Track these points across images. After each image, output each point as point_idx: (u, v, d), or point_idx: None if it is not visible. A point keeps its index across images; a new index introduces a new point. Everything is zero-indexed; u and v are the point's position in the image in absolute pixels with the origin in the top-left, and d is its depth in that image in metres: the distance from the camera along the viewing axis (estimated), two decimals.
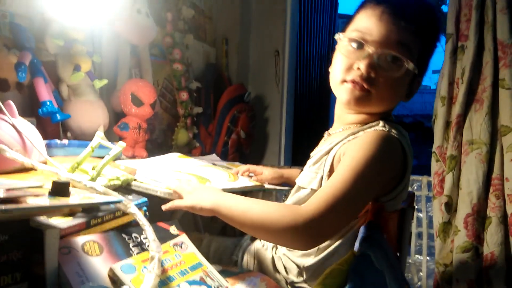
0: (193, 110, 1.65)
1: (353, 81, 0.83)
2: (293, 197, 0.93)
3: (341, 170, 0.76)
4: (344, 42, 0.86)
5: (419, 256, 1.73)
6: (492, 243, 1.38)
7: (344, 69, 0.85)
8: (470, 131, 1.47)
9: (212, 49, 1.92)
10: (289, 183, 1.20)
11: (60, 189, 0.62)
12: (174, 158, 1.29)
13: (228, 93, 1.80)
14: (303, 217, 0.69)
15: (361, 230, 0.78)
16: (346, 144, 0.83)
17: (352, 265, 0.69)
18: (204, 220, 1.52)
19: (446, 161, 1.51)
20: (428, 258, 1.70)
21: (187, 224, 1.46)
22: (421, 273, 1.70)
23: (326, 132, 1.00)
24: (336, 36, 0.89)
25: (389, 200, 0.84)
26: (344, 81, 0.85)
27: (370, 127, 0.86)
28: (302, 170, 0.97)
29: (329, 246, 0.87)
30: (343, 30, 0.91)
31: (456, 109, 1.51)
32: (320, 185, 0.85)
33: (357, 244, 0.74)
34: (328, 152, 0.87)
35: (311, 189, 0.87)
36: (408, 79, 0.86)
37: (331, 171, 0.84)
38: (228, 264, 1.01)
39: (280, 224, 0.70)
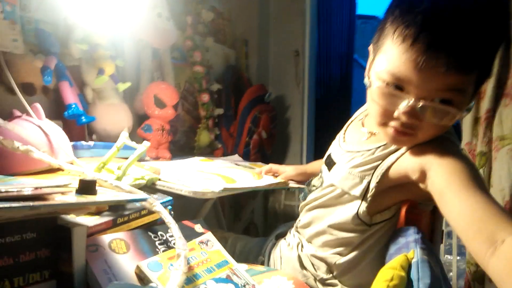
0: (215, 111, 1.65)
1: (396, 129, 0.72)
2: (318, 193, 0.90)
3: (462, 189, 0.62)
4: (376, 85, 0.70)
5: (448, 256, 1.67)
6: None
7: (383, 113, 0.72)
8: (501, 126, 1.42)
9: (231, 51, 1.93)
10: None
11: (87, 187, 0.62)
12: (196, 162, 1.29)
13: (249, 94, 1.80)
14: None
15: (404, 231, 0.76)
16: (419, 162, 0.71)
17: (414, 272, 0.66)
18: (227, 219, 1.52)
19: (476, 158, 1.46)
20: (458, 257, 1.65)
21: (210, 223, 1.46)
22: (451, 273, 1.64)
23: (358, 120, 0.95)
24: (366, 80, 0.75)
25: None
26: (385, 124, 0.74)
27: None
28: (329, 160, 0.93)
29: (362, 244, 0.85)
30: (370, 53, 0.76)
31: (485, 104, 1.46)
32: (365, 195, 0.80)
33: (410, 247, 0.72)
34: (381, 159, 0.80)
35: (351, 194, 0.82)
36: None
37: (382, 183, 0.78)
38: (254, 263, 1.00)
39: None
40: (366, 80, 0.75)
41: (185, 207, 1.16)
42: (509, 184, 1.36)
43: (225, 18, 1.92)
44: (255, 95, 1.83)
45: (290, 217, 1.87)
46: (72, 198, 0.60)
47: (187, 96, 1.60)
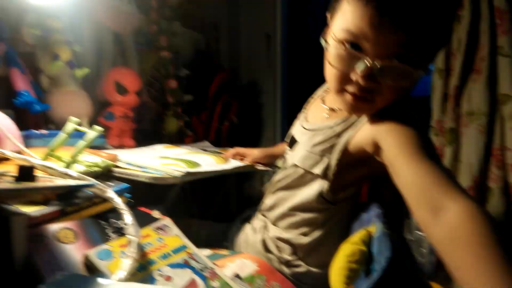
0: (183, 98, 1.61)
1: (354, 94, 0.69)
2: (282, 175, 0.88)
3: (410, 157, 0.61)
4: (333, 46, 0.68)
5: (419, 232, 1.68)
6: (494, 214, 1.34)
7: (339, 78, 0.70)
8: (469, 102, 1.42)
9: (201, 36, 1.88)
10: None
11: (25, 173, 0.59)
12: (159, 149, 1.25)
13: (219, 80, 1.76)
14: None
15: (366, 206, 0.75)
16: (372, 135, 0.70)
17: (375, 246, 0.65)
18: (200, 206, 1.50)
19: (445, 134, 1.46)
20: None
21: (180, 210, 1.43)
22: (422, 249, 1.65)
23: (319, 98, 0.93)
24: (323, 43, 0.72)
25: None
26: (343, 90, 0.71)
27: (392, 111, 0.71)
28: (292, 140, 0.91)
29: (326, 223, 0.83)
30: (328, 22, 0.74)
31: (454, 80, 1.46)
32: (326, 173, 0.78)
33: (372, 221, 0.70)
34: (339, 135, 0.78)
35: (313, 173, 0.80)
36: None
37: (343, 159, 0.77)
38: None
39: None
40: (323, 43, 0.72)
41: (151, 194, 1.13)
42: (478, 158, 1.37)
43: (193, 2, 1.87)
44: (226, 81, 1.79)
45: None
46: (8, 185, 0.57)
47: (154, 83, 1.55)
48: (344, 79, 0.69)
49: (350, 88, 0.69)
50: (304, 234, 0.85)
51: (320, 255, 0.83)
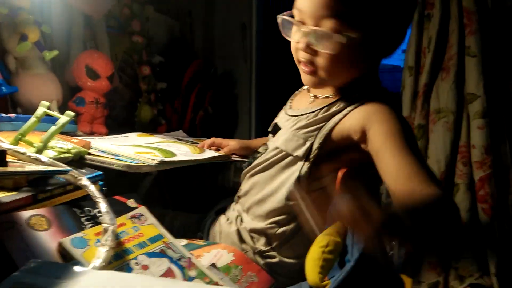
0: (157, 85, 1.58)
1: (301, 62, 0.81)
2: (262, 158, 0.89)
3: (395, 148, 0.69)
4: (283, 22, 0.80)
5: None
6: (460, 209, 1.40)
7: (293, 49, 0.82)
8: (437, 99, 1.48)
9: (175, 22, 1.84)
10: None
11: None
12: (132, 137, 1.22)
13: (194, 68, 1.73)
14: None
15: (343, 197, 0.76)
16: (361, 123, 0.75)
17: (349, 237, 0.66)
18: (174, 196, 1.48)
19: (414, 130, 1.51)
20: None
21: (153, 200, 1.41)
22: (393, 242, 1.71)
23: (305, 89, 0.96)
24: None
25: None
26: (298, 61, 0.82)
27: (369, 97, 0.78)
28: (275, 127, 0.93)
29: (295, 218, 0.84)
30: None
31: (423, 78, 1.51)
32: (307, 156, 0.80)
33: None
34: (325, 121, 0.81)
35: (294, 155, 0.82)
36: (358, 48, 0.75)
37: (325, 144, 0.79)
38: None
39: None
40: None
41: (124, 183, 1.10)
42: (445, 155, 1.43)
43: None
44: (200, 69, 1.77)
45: None
46: None
47: (126, 68, 1.51)
48: (295, 51, 0.80)
49: (297, 57, 0.80)
50: (278, 224, 0.85)
51: (295, 246, 0.84)
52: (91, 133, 1.20)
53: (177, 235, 0.79)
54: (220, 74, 1.92)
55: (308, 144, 0.80)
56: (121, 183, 0.98)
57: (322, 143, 0.79)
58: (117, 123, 1.44)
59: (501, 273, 1.34)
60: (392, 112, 0.75)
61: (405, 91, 1.56)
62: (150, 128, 1.54)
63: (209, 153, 1.09)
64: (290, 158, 0.83)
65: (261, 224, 0.87)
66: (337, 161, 0.81)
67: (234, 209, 0.96)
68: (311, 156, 0.80)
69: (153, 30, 1.63)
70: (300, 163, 0.82)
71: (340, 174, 0.81)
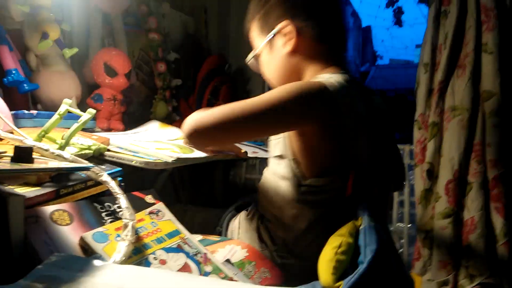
0: (172, 82, 1.60)
1: None
2: (268, 170, 0.93)
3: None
4: None
5: (400, 224, 1.74)
6: (472, 208, 1.39)
7: None
8: (453, 97, 1.46)
9: (190, 19, 1.85)
10: None
11: (22, 155, 0.58)
12: (155, 129, 1.25)
13: (208, 64, 1.75)
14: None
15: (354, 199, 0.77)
16: None
17: (361, 238, 0.67)
18: (187, 192, 1.50)
19: (428, 128, 1.50)
20: (409, 225, 1.72)
21: (168, 195, 1.43)
22: (402, 240, 1.72)
23: None
24: None
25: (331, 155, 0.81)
26: None
27: None
28: None
29: (308, 221, 0.85)
30: None
31: (439, 75, 1.49)
32: (284, 149, 0.85)
33: (358, 214, 0.72)
34: None
35: (275, 156, 0.87)
36: (271, 50, 0.92)
37: (292, 135, 0.84)
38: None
39: None
40: None
41: (140, 179, 1.13)
42: (459, 153, 1.42)
43: None
44: (215, 66, 1.78)
45: (251, 190, 1.87)
46: (6, 166, 0.56)
47: (142, 65, 1.53)
48: None
49: None
50: (292, 227, 0.87)
51: (310, 248, 0.85)
52: (109, 129, 1.23)
53: (197, 230, 0.82)
54: (234, 70, 1.93)
55: (282, 139, 0.86)
56: (137, 178, 1.01)
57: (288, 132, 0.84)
58: (133, 119, 1.47)
59: (511, 273, 1.34)
60: (289, 85, 0.79)
61: (420, 89, 1.55)
62: (166, 124, 1.57)
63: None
64: (280, 162, 0.87)
65: (276, 228, 0.89)
66: (306, 144, 0.83)
67: (256, 207, 0.97)
68: (287, 151, 0.84)
69: (169, 27, 1.65)
70: (287, 165, 0.85)
71: (351, 176, 0.82)
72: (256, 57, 0.97)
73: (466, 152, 1.41)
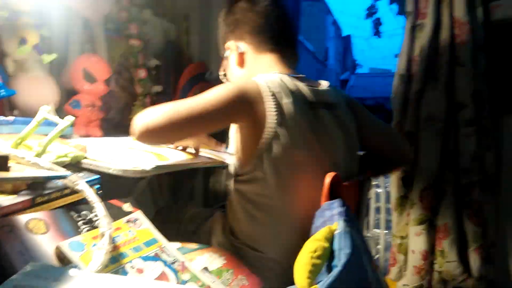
0: (152, 88, 1.60)
1: None
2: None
3: None
4: None
5: (377, 230, 1.78)
6: (446, 215, 1.44)
7: None
8: (428, 107, 1.51)
9: (172, 26, 1.86)
10: None
11: None
12: (128, 140, 1.24)
13: (189, 72, 1.75)
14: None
15: (330, 204, 0.79)
16: None
17: (336, 242, 0.69)
18: (165, 200, 1.50)
19: (403, 136, 1.54)
20: (385, 231, 1.75)
21: (145, 203, 1.43)
22: (378, 246, 1.75)
23: None
24: None
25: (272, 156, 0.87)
26: None
27: None
28: None
29: (246, 212, 0.92)
30: None
31: (414, 86, 1.54)
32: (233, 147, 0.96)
33: (334, 219, 0.74)
34: None
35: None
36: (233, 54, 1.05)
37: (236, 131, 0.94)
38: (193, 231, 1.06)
39: None
40: None
41: (118, 187, 1.12)
42: (434, 162, 1.46)
43: None
44: (196, 73, 1.79)
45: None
46: None
47: (122, 71, 1.52)
48: None
49: None
50: (238, 219, 0.95)
51: (257, 238, 0.92)
52: (87, 136, 1.22)
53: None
54: (215, 77, 1.94)
55: (232, 139, 0.99)
56: (115, 186, 1.00)
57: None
58: (112, 126, 1.46)
59: (483, 277, 1.38)
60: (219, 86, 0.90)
61: (396, 98, 1.59)
62: None
63: (203, 158, 1.11)
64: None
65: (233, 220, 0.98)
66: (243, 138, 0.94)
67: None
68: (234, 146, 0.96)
69: (150, 34, 1.65)
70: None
71: (328, 180, 0.83)
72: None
73: (441, 160, 1.45)
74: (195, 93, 1.75)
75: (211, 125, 0.91)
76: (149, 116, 0.85)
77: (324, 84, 1.01)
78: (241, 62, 1.04)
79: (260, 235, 0.92)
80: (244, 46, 1.03)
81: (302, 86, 0.93)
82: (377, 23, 3.44)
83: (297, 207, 0.89)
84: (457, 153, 1.44)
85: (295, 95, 0.90)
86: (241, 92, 0.88)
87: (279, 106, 0.87)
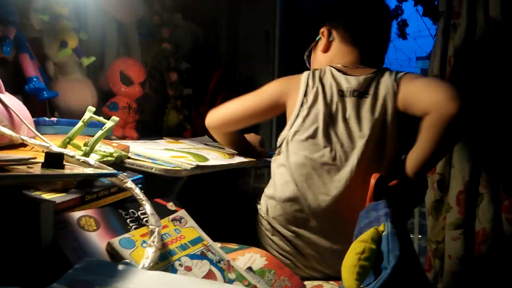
0: (183, 91, 1.61)
1: None
2: None
3: None
4: None
5: (411, 235, 1.74)
6: (484, 219, 1.39)
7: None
8: None
9: (201, 30, 1.88)
10: None
11: (53, 160, 0.59)
12: (162, 142, 1.26)
13: (219, 74, 1.76)
14: None
15: (375, 205, 0.77)
16: None
17: (384, 244, 0.68)
18: (198, 200, 1.50)
19: None
20: (419, 236, 1.72)
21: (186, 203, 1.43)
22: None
23: None
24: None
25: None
26: None
27: None
28: None
29: None
30: None
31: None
32: None
33: (381, 220, 0.73)
34: None
35: None
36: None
37: None
38: None
39: None
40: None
41: (154, 187, 1.13)
42: (470, 164, 1.42)
43: None
44: (225, 75, 1.80)
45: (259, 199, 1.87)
46: (38, 171, 0.57)
47: (155, 74, 1.55)
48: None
49: None
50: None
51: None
52: (123, 137, 1.24)
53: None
54: (244, 80, 1.95)
55: None
56: (152, 187, 1.01)
57: None
58: (146, 128, 1.48)
59: None
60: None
61: None
62: (176, 133, 1.57)
63: (238, 159, 1.12)
64: None
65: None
66: None
67: None
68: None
69: (181, 37, 1.67)
70: None
71: (373, 181, 0.82)
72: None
73: (477, 163, 1.41)
74: (224, 95, 1.76)
75: (258, 115, 1.12)
76: (212, 115, 1.16)
77: (369, 71, 1.00)
78: (326, 49, 1.09)
79: None
80: (335, 34, 1.08)
81: (339, 75, 0.99)
82: (403, 25, 3.38)
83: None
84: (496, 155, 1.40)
85: (325, 83, 0.99)
86: (280, 85, 1.07)
87: (305, 94, 0.99)
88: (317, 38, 1.13)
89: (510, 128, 1.39)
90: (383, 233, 0.70)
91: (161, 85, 1.57)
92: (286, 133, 1.00)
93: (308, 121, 0.96)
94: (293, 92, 1.01)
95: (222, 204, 1.56)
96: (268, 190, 1.03)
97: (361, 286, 0.65)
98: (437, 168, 1.49)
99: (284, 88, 1.04)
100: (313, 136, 0.95)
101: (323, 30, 1.10)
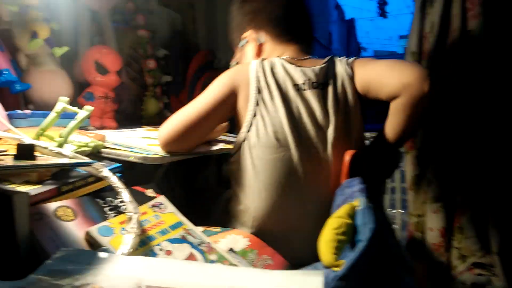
0: (162, 78, 1.60)
1: None
2: None
3: None
4: None
5: (392, 210, 1.78)
6: (463, 191, 1.42)
7: None
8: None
9: (177, 15, 1.85)
10: None
11: (25, 152, 0.59)
12: (141, 131, 1.25)
13: (197, 60, 1.75)
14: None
15: (350, 182, 0.79)
16: None
17: (359, 218, 0.69)
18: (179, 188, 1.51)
19: None
20: (402, 211, 1.75)
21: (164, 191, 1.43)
22: (395, 226, 1.75)
23: None
24: None
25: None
26: None
27: None
28: None
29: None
30: None
31: (426, 63, 1.52)
32: None
33: (355, 196, 0.74)
34: None
35: None
36: None
37: None
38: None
39: None
40: None
41: (135, 175, 1.13)
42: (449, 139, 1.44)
43: None
44: (204, 61, 1.78)
45: None
46: (9, 163, 0.57)
47: (132, 63, 1.52)
48: None
49: None
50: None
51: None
52: (102, 128, 1.23)
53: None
54: (223, 65, 1.93)
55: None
56: (132, 175, 1.01)
57: None
58: (125, 117, 1.47)
59: (503, 251, 1.37)
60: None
61: None
62: (157, 121, 1.56)
63: (219, 145, 1.12)
64: None
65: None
66: None
67: None
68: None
69: (157, 24, 1.65)
70: None
71: (347, 157, 0.84)
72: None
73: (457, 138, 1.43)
74: (204, 81, 1.75)
75: (216, 121, 1.00)
76: (161, 132, 0.94)
77: (321, 62, 0.97)
78: (259, 53, 1.03)
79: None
80: (264, 36, 1.02)
81: (292, 68, 0.93)
82: (383, 3, 3.39)
83: None
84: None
85: (278, 78, 0.92)
86: (230, 80, 0.94)
87: (259, 91, 0.91)
88: (241, 45, 1.06)
89: (489, 100, 1.41)
90: (358, 208, 0.72)
91: (139, 73, 1.55)
92: (244, 136, 0.92)
93: (269, 123, 0.89)
94: (243, 87, 0.92)
95: (204, 190, 1.57)
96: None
97: (339, 259, 0.66)
98: (417, 143, 1.51)
99: (235, 81, 0.93)
100: (280, 137, 0.88)
101: (248, 34, 1.03)
